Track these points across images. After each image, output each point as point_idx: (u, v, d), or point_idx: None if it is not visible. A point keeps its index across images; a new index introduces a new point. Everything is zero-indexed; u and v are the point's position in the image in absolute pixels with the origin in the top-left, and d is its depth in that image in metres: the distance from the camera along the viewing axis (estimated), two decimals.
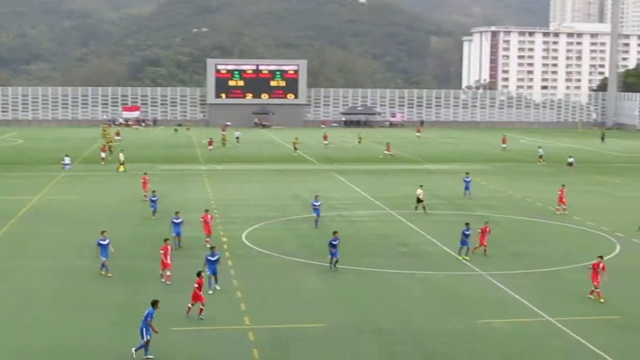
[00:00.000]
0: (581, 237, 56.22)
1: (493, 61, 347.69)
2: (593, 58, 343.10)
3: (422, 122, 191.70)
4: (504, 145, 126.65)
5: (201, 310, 34.96)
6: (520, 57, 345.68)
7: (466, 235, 47.72)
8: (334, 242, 44.55)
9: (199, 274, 35.64)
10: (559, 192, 66.56)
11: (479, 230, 48.90)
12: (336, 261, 44.50)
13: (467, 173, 76.20)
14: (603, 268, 38.76)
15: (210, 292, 38.35)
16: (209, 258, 39.93)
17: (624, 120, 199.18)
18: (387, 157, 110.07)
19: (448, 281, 42.88)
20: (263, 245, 51.01)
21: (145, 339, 30.25)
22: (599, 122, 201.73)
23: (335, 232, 45.49)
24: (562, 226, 60.07)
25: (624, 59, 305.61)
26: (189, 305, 35.20)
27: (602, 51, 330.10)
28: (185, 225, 51.54)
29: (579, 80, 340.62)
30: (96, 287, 40.63)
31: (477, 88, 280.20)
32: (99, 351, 31.30)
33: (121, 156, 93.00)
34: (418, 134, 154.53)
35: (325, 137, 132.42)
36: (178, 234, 49.49)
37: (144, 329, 30.37)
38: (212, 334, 33.31)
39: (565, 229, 59.02)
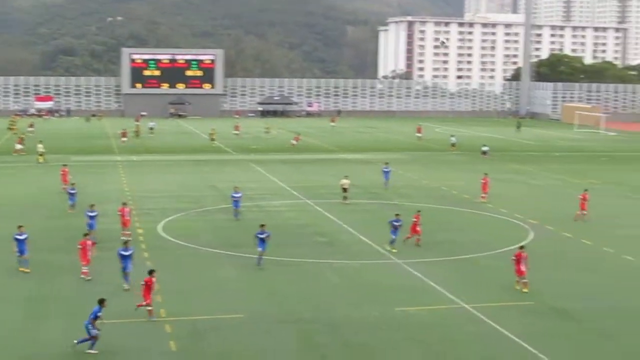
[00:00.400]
0: (495, 224, 56.93)
1: (409, 51, 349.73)
2: (507, 48, 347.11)
3: (339, 112, 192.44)
4: (419, 135, 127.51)
5: (150, 312, 33.74)
6: (435, 47, 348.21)
7: (395, 227, 47.35)
8: (261, 236, 43.06)
9: (150, 272, 34.44)
10: (482, 181, 67.10)
11: (413, 219, 48.94)
12: (261, 258, 42.98)
13: (387, 163, 76.43)
14: (526, 258, 39.02)
15: (126, 287, 37.77)
16: (122, 253, 38.65)
17: (537, 110, 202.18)
18: (300, 147, 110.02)
19: (365, 270, 43.07)
20: (180, 237, 50.67)
21: (90, 335, 29.84)
22: (512, 111, 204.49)
23: (262, 225, 44.07)
24: (477, 214, 60.76)
25: (537, 49, 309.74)
26: (142, 303, 34.07)
27: (515, 41, 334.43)
28: (101, 217, 50.95)
29: (493, 70, 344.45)
30: (7, 280, 39.91)
31: (393, 78, 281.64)
32: (8, 346, 30.81)
33: (40, 147, 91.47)
34: (333, 123, 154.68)
35: (236, 128, 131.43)
36: (91, 227, 48.61)
37: (89, 326, 29.94)
38: (129, 326, 32.96)
39: (480, 217, 59.71)
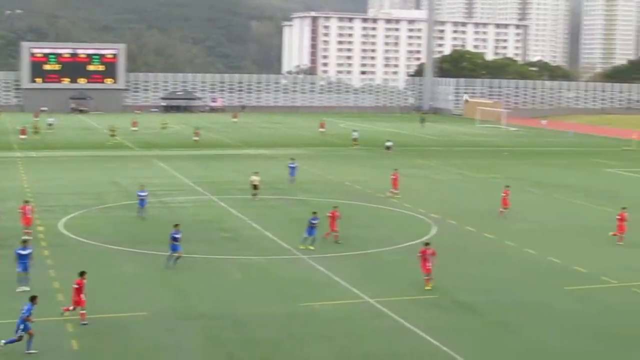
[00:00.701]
0: (399, 219, 57.30)
1: (313, 46, 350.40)
2: (410, 44, 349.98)
3: (243, 107, 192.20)
4: (322, 130, 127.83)
5: (82, 315, 32.56)
6: (339, 42, 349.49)
7: (313, 225, 46.45)
8: (176, 236, 41.92)
9: (81, 274, 33.37)
10: (392, 177, 67.37)
11: (328, 215, 48.64)
12: (178, 257, 41.74)
13: (293, 159, 76.30)
14: (433, 254, 38.91)
15: (24, 289, 36.71)
16: (19, 252, 37.46)
17: (440, 105, 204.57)
18: (204, 142, 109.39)
19: (270, 265, 42.94)
20: (81, 234, 49.86)
21: (19, 335, 29.04)
22: (416, 107, 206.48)
23: (176, 225, 42.83)
24: (381, 209, 61.09)
25: (440, 45, 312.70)
26: (69, 307, 33.04)
27: (418, 37, 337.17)
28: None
29: (396, 65, 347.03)
30: None
31: (298, 73, 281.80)
32: None
33: None
34: (235, 119, 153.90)
35: (134, 123, 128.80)
36: None
37: (21, 324, 29.15)
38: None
39: (383, 212, 60.04)
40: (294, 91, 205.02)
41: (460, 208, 61.71)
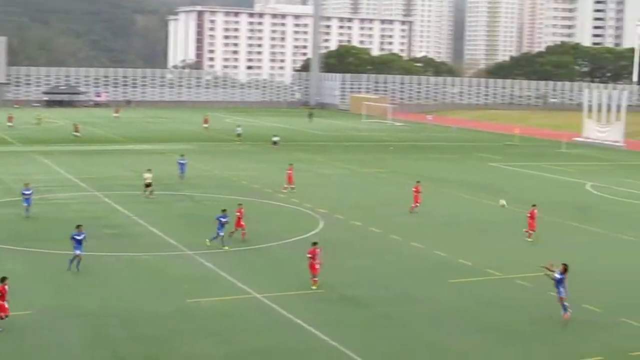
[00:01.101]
0: (286, 214, 57.44)
1: (199, 41, 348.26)
2: (297, 39, 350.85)
3: (129, 102, 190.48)
4: (205, 125, 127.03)
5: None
6: (225, 37, 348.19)
7: (222, 223, 45.53)
8: (78, 237, 40.31)
9: (2, 280, 32.04)
10: (288, 172, 67.31)
11: (237, 213, 47.79)
12: (79, 261, 40.12)
13: (183, 155, 75.20)
14: (318, 254, 38.30)
15: None
16: None
17: (326, 100, 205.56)
18: (88, 138, 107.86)
19: (156, 262, 42.61)
20: None
21: None
22: (303, 102, 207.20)
23: (79, 226, 41.39)
24: (268, 204, 61.15)
25: (326, 40, 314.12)
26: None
27: (305, 33, 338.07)
28: None
29: (283, 60, 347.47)
30: None
31: (183, 67, 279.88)
32: None
33: None
34: (116, 114, 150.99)
35: (9, 119, 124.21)
36: None
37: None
38: None
39: (271, 207, 60.09)
40: (180, 86, 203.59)
41: (346, 203, 62.18)
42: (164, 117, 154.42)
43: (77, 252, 40.13)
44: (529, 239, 49.92)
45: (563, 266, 33.62)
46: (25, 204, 53.79)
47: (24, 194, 54.11)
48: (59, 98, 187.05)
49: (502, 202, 52.70)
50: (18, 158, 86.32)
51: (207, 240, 46.23)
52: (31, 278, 39.13)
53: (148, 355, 29.13)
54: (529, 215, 50.96)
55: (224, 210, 46.43)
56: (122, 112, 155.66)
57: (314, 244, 38.67)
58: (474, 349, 30.52)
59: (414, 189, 59.19)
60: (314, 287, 37.54)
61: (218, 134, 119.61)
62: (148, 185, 61.68)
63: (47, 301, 34.91)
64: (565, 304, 33.18)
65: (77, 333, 31.08)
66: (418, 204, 58.36)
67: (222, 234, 45.59)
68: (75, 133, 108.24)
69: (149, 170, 63.09)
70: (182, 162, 73.38)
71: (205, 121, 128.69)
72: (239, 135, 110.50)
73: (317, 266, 37.73)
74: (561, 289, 33.05)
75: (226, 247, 45.31)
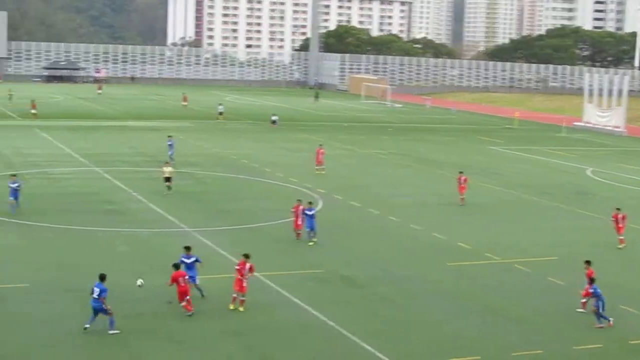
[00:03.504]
0: (286, 194, 57.31)
1: (198, 19, 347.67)
2: (296, 19, 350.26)
3: (132, 78, 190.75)
4: (184, 104, 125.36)
5: None
6: (225, 15, 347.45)
7: (310, 216, 42.70)
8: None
9: None
10: (318, 152, 66.98)
11: (292, 211, 43.82)
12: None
13: (170, 136, 72.31)
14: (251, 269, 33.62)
15: None
16: None
17: (325, 80, 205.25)
18: (86, 113, 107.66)
19: (155, 238, 42.63)
20: None
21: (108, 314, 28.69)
22: (301, 81, 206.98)
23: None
24: (267, 183, 61.13)
25: (325, 20, 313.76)
26: None
27: (304, 12, 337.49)
28: None
29: (282, 40, 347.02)
30: None
31: (183, 45, 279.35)
32: None
33: None
34: (99, 91, 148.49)
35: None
36: None
37: (101, 306, 28.83)
38: None
39: (270, 186, 60.09)
40: (179, 63, 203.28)
41: (345, 183, 62.19)
42: (162, 95, 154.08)
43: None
44: (620, 246, 44.95)
45: (589, 279, 32.38)
46: (11, 198, 47.40)
47: (10, 186, 47.61)
48: (58, 74, 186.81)
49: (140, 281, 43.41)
50: (17, 132, 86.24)
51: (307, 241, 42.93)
52: (28, 251, 39.13)
53: (141, 330, 29.15)
54: (613, 219, 45.59)
55: (310, 203, 44.29)
56: (104, 89, 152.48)
57: (245, 256, 32.87)
58: (468, 330, 30.57)
59: (458, 179, 56.20)
60: (231, 307, 32.02)
61: (213, 111, 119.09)
62: (167, 179, 54.90)
63: (44, 275, 34.88)
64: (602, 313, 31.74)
65: (72, 307, 30.99)
66: (463, 195, 55.41)
67: (313, 229, 42.63)
68: (32, 111, 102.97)
69: (167, 164, 56.84)
70: (170, 143, 69.87)
71: (184, 99, 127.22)
72: (220, 113, 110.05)
73: (245, 284, 31.97)
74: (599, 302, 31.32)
75: (314, 240, 42.57)
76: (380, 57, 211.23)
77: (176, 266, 31.39)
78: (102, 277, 29.31)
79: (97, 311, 28.82)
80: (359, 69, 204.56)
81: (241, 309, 31.56)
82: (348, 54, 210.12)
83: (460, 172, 57.22)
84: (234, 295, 31.83)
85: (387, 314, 32.19)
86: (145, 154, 72.87)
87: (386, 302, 33.67)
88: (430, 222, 49.04)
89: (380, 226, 48.03)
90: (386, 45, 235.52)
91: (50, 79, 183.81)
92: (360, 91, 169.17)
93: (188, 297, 30.80)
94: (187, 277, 31.22)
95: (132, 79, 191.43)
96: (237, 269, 32.19)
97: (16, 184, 47.33)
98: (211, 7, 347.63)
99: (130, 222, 46.14)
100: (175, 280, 30.70)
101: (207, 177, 62.59)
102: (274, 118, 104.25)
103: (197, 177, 62.58)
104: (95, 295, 28.80)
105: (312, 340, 29.08)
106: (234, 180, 62.07)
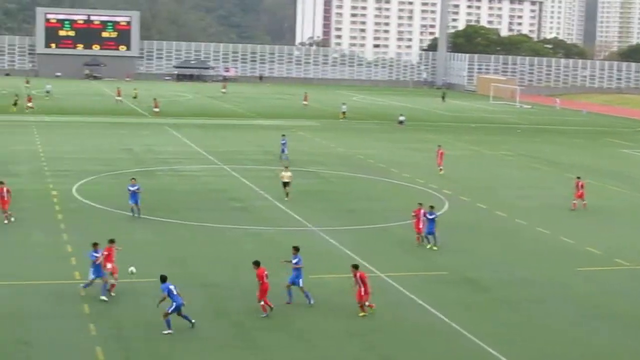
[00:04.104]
0: (412, 194, 57.09)
1: (326, 18, 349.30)
2: (424, 18, 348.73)
3: (261, 78, 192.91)
4: (305, 103, 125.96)
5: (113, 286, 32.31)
6: (353, 15, 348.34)
7: (431, 221, 41.60)
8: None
9: (111, 242, 33.09)
10: (437, 152, 66.95)
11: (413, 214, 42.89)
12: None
13: (284, 135, 73.18)
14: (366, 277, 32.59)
15: None
16: None
17: (453, 80, 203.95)
18: (216, 112, 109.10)
19: (280, 236, 42.93)
20: (94, 199, 50.03)
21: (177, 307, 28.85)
22: (429, 82, 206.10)
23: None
24: (393, 183, 61.07)
25: (454, 20, 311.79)
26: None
27: (432, 12, 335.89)
28: (13, 178, 50.18)
29: (410, 39, 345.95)
30: None
31: (311, 45, 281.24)
32: None
33: None
34: (224, 90, 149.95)
35: (118, 93, 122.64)
36: None
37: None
38: (41, 288, 32.53)
39: (395, 186, 60.01)
40: (307, 63, 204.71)
41: (472, 185, 61.69)
42: (290, 94, 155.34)
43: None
44: None
45: None
46: (131, 202, 46.24)
47: (129, 189, 46.31)
48: (188, 72, 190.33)
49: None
50: (149, 130, 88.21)
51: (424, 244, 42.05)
52: (156, 246, 39.97)
53: (266, 327, 29.43)
54: None
55: (432, 207, 42.64)
56: (227, 88, 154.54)
57: (355, 266, 31.63)
58: (596, 337, 29.97)
59: (578, 184, 54.29)
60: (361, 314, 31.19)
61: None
62: (286, 184, 53.00)
63: (171, 269, 34.99)
64: None
65: (199, 303, 31.48)
66: (583, 201, 53.87)
67: (432, 232, 41.60)
68: (155, 109, 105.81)
69: (286, 168, 54.35)
70: (283, 142, 70.20)
71: (305, 98, 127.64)
72: (343, 113, 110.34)
73: (362, 292, 31.04)
74: None
75: (435, 248, 41.43)
76: (510, 58, 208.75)
77: (257, 263, 31.11)
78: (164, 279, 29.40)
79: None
80: (487, 69, 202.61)
81: (365, 313, 31.01)
82: (477, 54, 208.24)
83: (578, 178, 55.33)
84: (359, 304, 31.18)
85: (512, 317, 31.81)
86: (271, 153, 73.58)
87: (511, 305, 33.26)
88: (557, 226, 48.19)
89: (507, 229, 47.46)
90: (515, 45, 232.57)
91: (180, 77, 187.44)
92: (488, 92, 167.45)
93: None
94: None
95: (261, 78, 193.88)
96: (355, 279, 31.26)
97: (136, 187, 45.84)
98: (339, 6, 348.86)
99: (257, 219, 46.64)
100: (260, 277, 30.58)
101: (332, 176, 62.89)
102: (401, 118, 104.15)
103: (323, 176, 62.92)
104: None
105: (435, 342, 28.91)
106: (359, 179, 62.19)
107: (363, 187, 59.18)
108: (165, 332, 28.33)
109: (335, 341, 28.54)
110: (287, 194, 52.21)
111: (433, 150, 77.20)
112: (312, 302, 31.81)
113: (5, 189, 43.66)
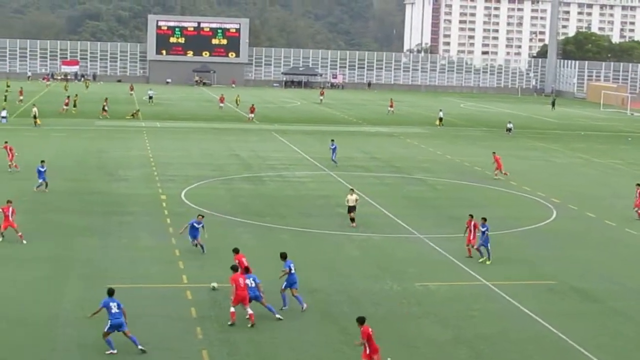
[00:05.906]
0: (519, 202, 56.61)
1: (435, 25, 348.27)
2: (534, 25, 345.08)
3: (369, 84, 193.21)
4: (391, 109, 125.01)
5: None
6: (461, 21, 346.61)
7: (483, 234, 39.81)
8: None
9: (236, 251, 34.06)
10: (494, 158, 66.50)
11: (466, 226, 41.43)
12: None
13: (333, 140, 72.25)
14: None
15: None
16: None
17: (563, 88, 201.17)
18: (323, 118, 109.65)
19: (385, 243, 42.97)
20: (202, 204, 50.65)
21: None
22: (538, 89, 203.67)
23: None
24: (500, 191, 60.51)
25: (564, 26, 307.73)
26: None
27: (542, 18, 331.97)
28: (123, 182, 51.11)
29: (519, 46, 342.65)
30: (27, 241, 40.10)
31: (419, 51, 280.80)
32: (29, 306, 31.00)
33: (34, 110, 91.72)
34: (321, 97, 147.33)
35: (221, 100, 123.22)
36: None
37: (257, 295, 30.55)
38: (149, 291, 33.12)
39: (502, 194, 59.45)
40: (415, 70, 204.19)
41: (580, 193, 60.73)
42: (398, 101, 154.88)
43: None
44: None
45: None
46: (190, 237, 40.06)
47: (193, 225, 40.06)
48: (297, 79, 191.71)
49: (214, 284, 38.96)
50: (256, 136, 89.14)
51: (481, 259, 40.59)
52: (261, 251, 40.04)
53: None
54: None
55: (484, 219, 40.18)
56: (325, 95, 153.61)
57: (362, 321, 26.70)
58: None
59: None
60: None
61: (454, 119, 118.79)
62: (351, 209, 47.08)
63: (275, 275, 34.40)
64: None
65: (312, 306, 31.73)
66: None
67: (487, 245, 39.87)
68: (250, 115, 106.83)
69: (352, 191, 48.48)
70: (332, 147, 69.63)
71: (391, 105, 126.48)
72: (440, 119, 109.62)
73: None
74: None
75: (488, 262, 39.90)
76: (621, 65, 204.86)
77: (234, 268, 30.98)
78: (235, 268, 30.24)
79: (254, 299, 29.95)
80: (598, 76, 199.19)
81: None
82: (587, 61, 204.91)
83: None
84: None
85: (622, 329, 31.18)
86: (378, 159, 73.64)
87: (622, 317, 32.62)
88: None
89: (616, 238, 46.59)
90: (627, 52, 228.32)
91: (288, 84, 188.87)
92: (598, 99, 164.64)
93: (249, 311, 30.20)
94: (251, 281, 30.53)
95: (369, 85, 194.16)
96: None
97: (200, 225, 40.01)
98: (448, 13, 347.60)
99: (363, 226, 46.67)
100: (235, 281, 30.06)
101: (438, 183, 62.64)
102: (509, 126, 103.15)
103: (429, 183, 62.70)
104: (252, 285, 30.00)
105: (542, 352, 28.50)
106: (465, 187, 61.81)
107: (469, 194, 58.76)
108: (108, 352, 26.77)
109: (443, 349, 28.41)
110: (352, 220, 46.70)
111: (541, 159, 76.56)
112: (285, 308, 31.66)
113: (11, 209, 40.69)
